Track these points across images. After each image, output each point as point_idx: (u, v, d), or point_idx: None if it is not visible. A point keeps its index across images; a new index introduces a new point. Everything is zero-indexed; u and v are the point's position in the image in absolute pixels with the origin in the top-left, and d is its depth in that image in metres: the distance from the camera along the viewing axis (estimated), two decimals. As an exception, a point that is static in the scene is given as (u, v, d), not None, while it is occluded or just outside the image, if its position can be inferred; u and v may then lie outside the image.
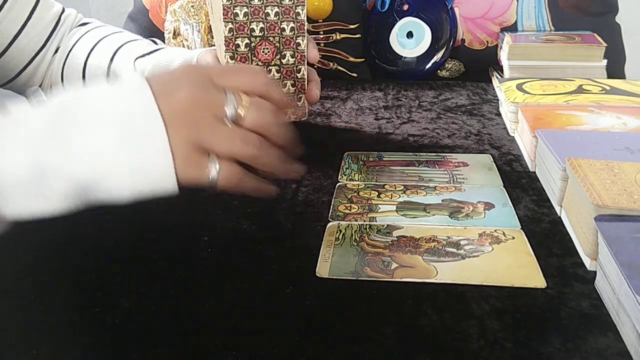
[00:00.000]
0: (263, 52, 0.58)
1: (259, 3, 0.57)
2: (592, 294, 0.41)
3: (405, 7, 0.97)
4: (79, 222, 0.52)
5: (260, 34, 0.58)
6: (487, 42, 0.99)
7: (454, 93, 0.90)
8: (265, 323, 0.39)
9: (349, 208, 0.53)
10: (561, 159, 0.52)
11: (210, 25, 0.97)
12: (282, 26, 0.58)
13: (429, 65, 0.98)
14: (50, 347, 0.37)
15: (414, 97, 0.88)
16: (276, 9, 0.58)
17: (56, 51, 0.82)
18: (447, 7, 0.97)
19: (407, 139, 0.71)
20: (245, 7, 0.57)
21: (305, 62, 0.61)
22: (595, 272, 0.42)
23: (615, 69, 0.93)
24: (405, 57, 0.98)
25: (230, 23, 0.57)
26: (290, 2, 0.58)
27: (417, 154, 0.65)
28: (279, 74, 0.60)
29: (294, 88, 0.61)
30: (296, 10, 0.58)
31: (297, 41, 0.59)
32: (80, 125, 0.38)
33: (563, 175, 0.51)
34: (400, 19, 0.97)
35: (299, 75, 0.61)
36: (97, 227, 0.51)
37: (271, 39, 0.58)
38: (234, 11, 0.56)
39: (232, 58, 0.58)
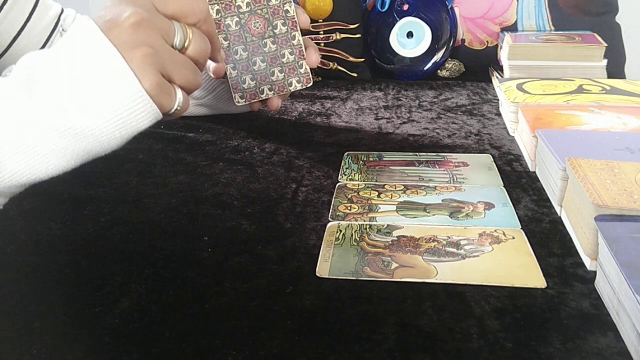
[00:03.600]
0: (254, 26, 0.58)
1: None
2: (592, 294, 0.41)
3: (405, 7, 0.97)
4: (79, 222, 0.52)
5: (247, 9, 0.58)
6: (487, 42, 0.99)
7: (454, 93, 0.90)
8: (265, 323, 0.39)
9: (349, 208, 0.53)
10: (561, 159, 0.52)
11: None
12: None
13: (429, 65, 0.98)
14: (50, 347, 0.37)
15: (414, 97, 0.88)
16: None
17: None
18: (447, 7, 0.97)
19: (407, 138, 0.71)
20: None
21: (298, 28, 0.60)
22: (595, 272, 0.42)
23: (615, 68, 0.93)
24: (405, 57, 0.98)
25: (216, 4, 0.57)
26: None
27: (417, 154, 0.65)
28: (275, 45, 0.59)
29: (293, 56, 0.60)
30: None
31: (285, 9, 0.59)
32: (44, 77, 0.39)
33: (563, 175, 0.51)
34: (400, 18, 0.97)
35: (294, 42, 0.60)
36: (97, 227, 0.51)
37: (259, 11, 0.58)
38: None
39: (225, 39, 0.58)
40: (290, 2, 0.59)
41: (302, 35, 0.60)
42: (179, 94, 0.42)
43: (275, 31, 0.59)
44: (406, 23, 0.97)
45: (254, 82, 0.59)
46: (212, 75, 0.60)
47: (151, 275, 0.44)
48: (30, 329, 0.39)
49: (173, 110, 0.42)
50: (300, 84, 0.61)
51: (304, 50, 0.60)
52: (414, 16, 0.97)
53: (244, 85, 0.59)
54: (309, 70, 0.61)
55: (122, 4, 0.42)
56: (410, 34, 0.97)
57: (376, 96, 0.89)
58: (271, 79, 0.60)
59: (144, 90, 0.39)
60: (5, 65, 0.78)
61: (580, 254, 0.46)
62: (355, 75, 0.99)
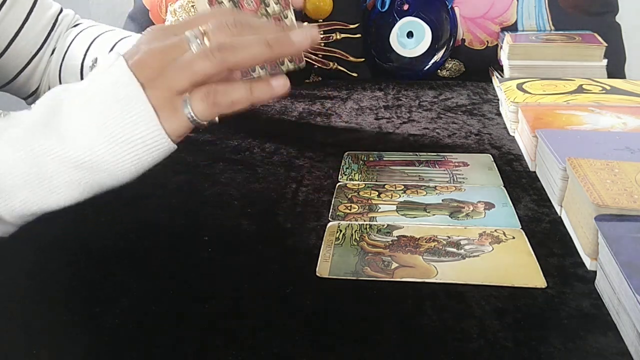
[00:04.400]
0: (247, 4, 0.57)
1: None
2: (592, 294, 0.41)
3: (406, 6, 0.97)
4: (79, 222, 0.52)
5: None
6: (487, 41, 0.98)
7: (454, 93, 0.90)
8: (265, 323, 0.39)
9: (349, 208, 0.53)
10: (561, 159, 0.52)
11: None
12: None
13: (429, 65, 0.98)
14: (50, 347, 0.37)
15: (414, 97, 0.88)
16: None
17: (52, 52, 0.82)
18: (447, 7, 0.97)
19: (407, 138, 0.71)
20: None
21: (291, 6, 0.59)
22: (595, 272, 0.42)
23: (615, 68, 0.93)
24: (405, 57, 0.98)
25: None
26: None
27: (417, 153, 0.65)
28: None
29: None
30: None
31: None
32: (66, 111, 0.39)
33: (563, 175, 0.51)
34: (400, 18, 0.97)
35: (287, 22, 0.59)
36: (97, 227, 0.51)
37: None
38: None
39: None
40: None
41: (298, 20, 0.59)
42: (188, 107, 0.40)
43: (268, 9, 0.58)
44: (406, 23, 0.97)
45: None
46: None
47: (151, 275, 0.44)
48: (30, 329, 0.39)
49: (190, 120, 0.40)
50: (293, 64, 0.59)
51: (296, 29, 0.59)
52: (414, 16, 0.97)
53: None
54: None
55: (141, 39, 0.42)
56: (410, 34, 0.97)
57: (376, 96, 0.89)
58: None
59: (162, 128, 0.39)
60: (4, 64, 0.78)
61: (580, 254, 0.46)
62: (355, 75, 0.99)
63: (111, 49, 0.78)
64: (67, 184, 0.39)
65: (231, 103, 0.40)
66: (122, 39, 0.80)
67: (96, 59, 0.75)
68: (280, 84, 0.41)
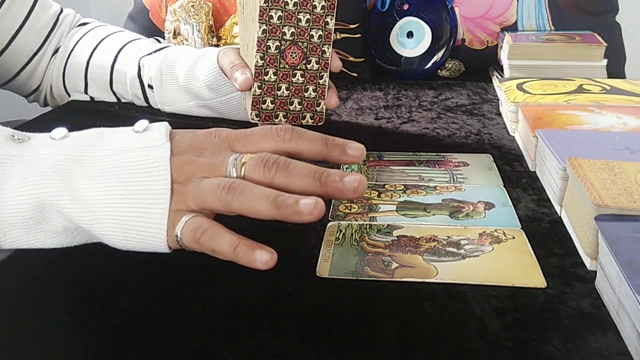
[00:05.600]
0: (291, 55, 0.60)
1: (293, 8, 0.59)
2: (592, 294, 0.41)
3: (406, 6, 0.97)
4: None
5: (290, 38, 0.59)
6: (487, 41, 0.99)
7: (454, 93, 0.90)
8: (265, 323, 0.39)
9: (349, 208, 0.53)
10: (561, 159, 0.52)
11: (210, 25, 0.97)
12: (311, 33, 0.60)
13: (429, 65, 0.98)
14: (50, 347, 0.37)
15: (414, 97, 0.88)
16: (308, 16, 0.60)
17: (56, 51, 0.82)
18: (448, 7, 0.97)
19: (407, 138, 0.71)
20: (280, 11, 0.58)
21: (329, 70, 0.63)
22: (595, 272, 0.42)
23: (616, 68, 0.93)
24: (405, 57, 0.98)
25: (264, 24, 0.58)
26: (321, 11, 0.60)
27: (417, 153, 0.65)
28: (303, 79, 0.61)
29: (315, 93, 0.62)
30: (325, 19, 0.61)
31: (323, 49, 0.61)
32: (87, 172, 0.38)
33: (563, 175, 0.51)
34: (400, 18, 0.97)
35: (321, 82, 0.62)
36: (97, 227, 0.51)
37: (300, 44, 0.60)
38: (269, 13, 0.58)
39: (262, 58, 0.59)
40: (330, 44, 0.62)
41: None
42: (180, 228, 0.38)
43: (308, 66, 0.61)
44: (406, 23, 0.97)
45: (273, 105, 0.61)
46: (237, 86, 0.60)
47: (151, 275, 0.44)
48: (30, 329, 0.39)
49: (178, 241, 0.38)
50: (313, 121, 0.63)
51: (326, 92, 0.63)
52: (414, 16, 0.97)
53: (263, 106, 0.61)
54: (324, 111, 0.63)
55: (200, 141, 0.40)
56: (410, 34, 0.97)
57: (376, 96, 0.89)
58: (289, 107, 0.61)
59: (166, 236, 0.38)
60: (5, 62, 0.78)
61: (580, 254, 0.46)
62: (355, 75, 0.99)
63: (118, 51, 0.78)
64: (64, 234, 0.39)
65: (212, 251, 0.38)
66: (130, 41, 0.80)
67: (151, 78, 0.74)
68: (263, 259, 0.36)
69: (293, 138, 0.40)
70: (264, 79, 0.60)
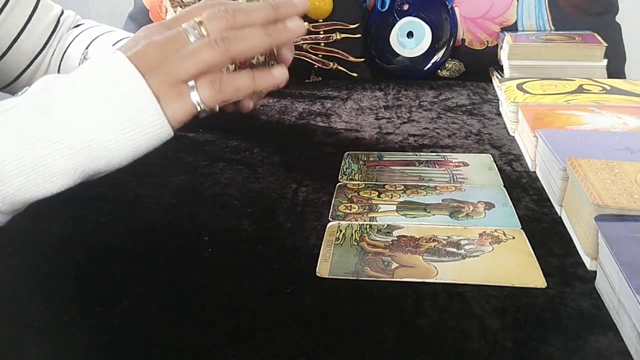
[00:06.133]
0: None
1: None
2: (592, 294, 0.41)
3: (406, 6, 0.97)
4: (79, 222, 0.52)
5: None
6: (488, 41, 0.99)
7: (454, 93, 0.90)
8: (265, 323, 0.39)
9: (349, 208, 0.53)
10: (561, 159, 0.52)
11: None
12: None
13: (429, 65, 0.98)
14: (50, 347, 0.37)
15: (414, 97, 0.88)
16: None
17: (54, 53, 0.82)
18: (448, 7, 0.97)
19: (407, 138, 0.71)
20: None
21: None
22: (595, 272, 0.42)
23: (616, 68, 0.93)
24: (405, 57, 0.98)
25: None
26: None
27: (417, 153, 0.65)
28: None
29: (263, 57, 0.55)
30: None
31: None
32: (60, 98, 0.39)
33: (563, 175, 0.51)
34: (400, 18, 0.97)
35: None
36: (97, 227, 0.51)
37: None
38: None
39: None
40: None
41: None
42: (195, 93, 0.41)
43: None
44: (406, 23, 0.97)
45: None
46: None
47: (151, 275, 0.44)
48: (30, 329, 0.39)
49: (198, 107, 0.42)
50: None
51: (274, 52, 0.55)
52: (414, 16, 0.97)
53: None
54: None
55: (139, 34, 0.43)
56: (410, 34, 0.97)
57: (376, 96, 0.89)
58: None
59: (164, 115, 0.40)
60: (6, 65, 0.78)
61: (580, 254, 0.46)
62: (355, 75, 0.99)
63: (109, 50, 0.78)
64: (63, 171, 0.39)
65: (235, 90, 0.42)
66: (122, 39, 0.80)
67: (87, 52, 0.75)
68: (281, 73, 0.44)
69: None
70: None
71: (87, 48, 0.80)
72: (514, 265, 0.44)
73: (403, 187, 0.57)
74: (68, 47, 0.82)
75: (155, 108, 0.40)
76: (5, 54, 0.78)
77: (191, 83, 0.41)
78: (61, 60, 0.82)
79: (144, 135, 0.40)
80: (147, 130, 0.40)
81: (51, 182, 0.39)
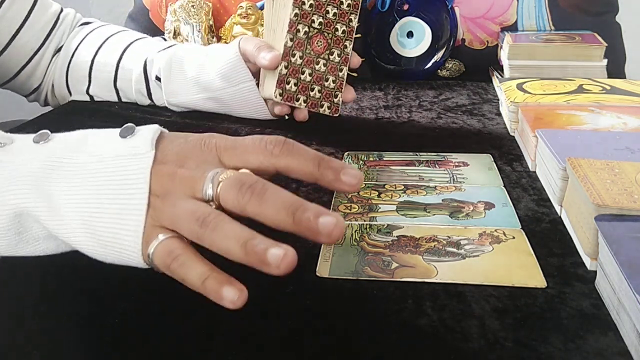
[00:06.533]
0: (317, 43, 0.65)
1: (323, 0, 0.65)
2: (592, 294, 0.41)
3: (406, 6, 0.97)
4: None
5: (318, 27, 0.65)
6: (488, 41, 0.99)
7: (454, 93, 0.90)
8: (265, 323, 0.39)
9: (349, 208, 0.53)
10: (561, 159, 0.52)
11: (210, 25, 0.97)
12: (336, 26, 0.66)
13: (429, 65, 0.98)
14: (50, 348, 0.37)
15: (414, 97, 0.88)
16: (335, 10, 0.65)
17: (57, 51, 0.82)
18: (448, 7, 0.97)
19: (407, 138, 0.71)
20: None
21: (348, 65, 0.68)
22: (595, 272, 0.42)
23: (616, 68, 0.93)
24: (405, 57, 0.98)
25: (297, 8, 0.63)
26: (347, 8, 0.66)
27: (417, 153, 0.65)
28: (325, 68, 0.66)
29: (334, 85, 0.67)
30: (350, 17, 0.67)
31: (345, 43, 0.67)
32: (66, 182, 0.37)
33: (563, 175, 0.51)
34: (400, 18, 0.97)
35: (340, 74, 0.67)
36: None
37: (326, 34, 0.65)
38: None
39: (291, 40, 0.64)
40: (351, 41, 0.67)
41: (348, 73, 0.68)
42: (153, 247, 0.36)
43: (330, 57, 0.66)
44: (406, 23, 0.97)
45: (296, 88, 0.65)
46: (264, 61, 0.64)
47: (151, 275, 0.44)
48: (30, 329, 0.39)
49: (148, 261, 0.36)
50: (330, 111, 0.68)
51: (344, 85, 0.68)
52: (414, 16, 0.97)
53: (287, 86, 0.65)
54: (340, 103, 0.68)
55: (187, 149, 0.38)
56: (410, 34, 0.97)
57: (376, 96, 0.89)
58: (310, 93, 0.66)
59: (141, 251, 0.36)
60: (5, 61, 0.78)
61: (580, 254, 0.46)
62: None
63: (124, 50, 0.78)
64: (46, 242, 0.39)
65: (182, 280, 0.36)
66: (137, 39, 0.80)
67: (160, 69, 0.74)
68: (230, 297, 0.34)
69: (282, 154, 0.37)
70: (291, 60, 0.64)
71: (99, 49, 0.80)
72: (514, 265, 0.44)
73: (403, 187, 0.57)
74: (78, 46, 0.82)
75: (137, 243, 0.36)
76: (4, 50, 0.78)
77: (160, 236, 0.36)
78: (71, 59, 0.81)
79: (117, 257, 0.37)
80: (122, 256, 0.37)
81: (33, 247, 0.39)
